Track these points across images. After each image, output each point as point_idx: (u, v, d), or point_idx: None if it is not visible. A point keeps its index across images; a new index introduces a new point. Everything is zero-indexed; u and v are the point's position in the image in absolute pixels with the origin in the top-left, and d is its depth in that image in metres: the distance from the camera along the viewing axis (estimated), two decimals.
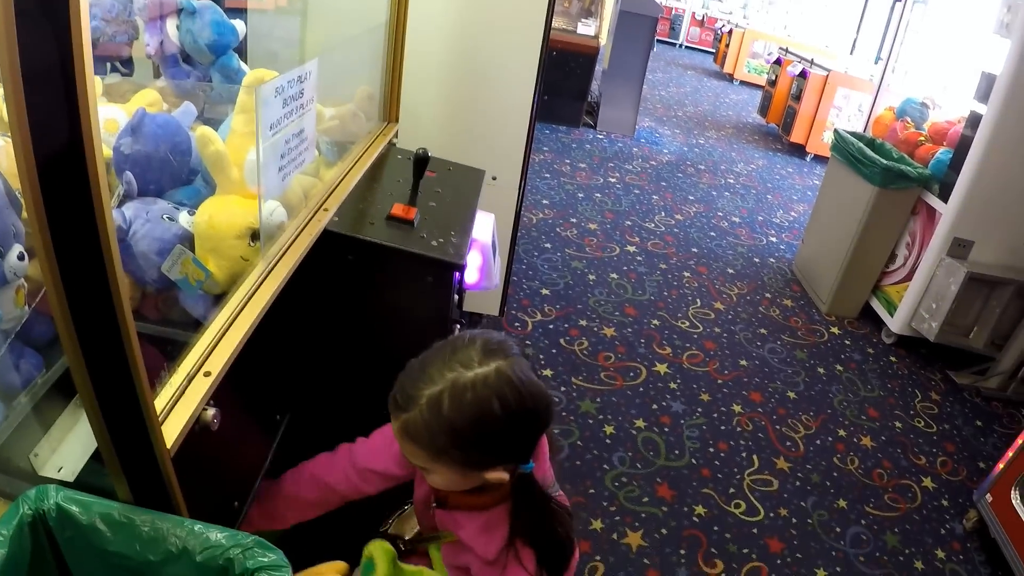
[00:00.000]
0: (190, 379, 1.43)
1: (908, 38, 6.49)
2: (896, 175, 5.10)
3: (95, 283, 1.06)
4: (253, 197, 1.80)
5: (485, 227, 2.76)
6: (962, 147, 4.86)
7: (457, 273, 2.30)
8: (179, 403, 1.38)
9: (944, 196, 4.93)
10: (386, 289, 2.30)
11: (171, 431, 1.32)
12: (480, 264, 2.72)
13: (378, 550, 1.82)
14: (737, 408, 4.28)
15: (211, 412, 1.45)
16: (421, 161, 2.47)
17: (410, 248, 2.22)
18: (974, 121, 4.77)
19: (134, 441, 1.23)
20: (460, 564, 1.73)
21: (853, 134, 5.82)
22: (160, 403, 1.32)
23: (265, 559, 1.28)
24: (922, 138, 5.67)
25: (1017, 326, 4.84)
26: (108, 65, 2.41)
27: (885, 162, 5.13)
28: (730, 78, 15.49)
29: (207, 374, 1.46)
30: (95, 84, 1.72)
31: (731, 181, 8.59)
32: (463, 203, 2.67)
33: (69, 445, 1.40)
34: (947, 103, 6.05)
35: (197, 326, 1.62)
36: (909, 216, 5.30)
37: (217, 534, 1.30)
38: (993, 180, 4.67)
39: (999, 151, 4.59)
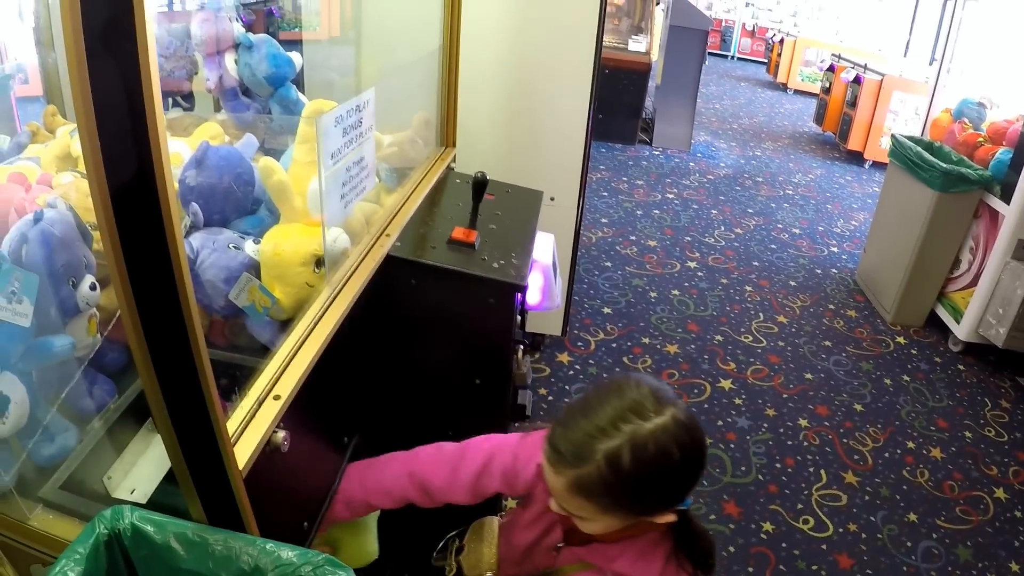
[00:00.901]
0: (260, 402, 1.47)
1: (962, 37, 6.40)
2: (956, 178, 5.03)
3: (168, 310, 1.09)
4: (316, 225, 1.83)
5: (545, 248, 2.77)
6: (1022, 146, 4.79)
7: (519, 294, 2.30)
8: (250, 426, 1.42)
9: (1006, 198, 4.84)
10: (449, 312, 2.31)
11: (243, 453, 1.36)
12: (542, 285, 2.73)
13: None
14: (803, 422, 4.24)
15: (281, 435, 1.48)
16: (480, 184, 2.49)
17: (472, 271, 2.23)
18: None
19: (207, 462, 1.26)
20: None
21: (911, 138, 5.75)
22: (232, 426, 1.36)
23: None
24: (981, 139, 5.57)
25: None
26: (170, 100, 2.47)
27: (944, 166, 5.06)
28: (784, 87, 15.39)
29: (277, 397, 1.50)
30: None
31: (789, 192, 8.53)
32: (523, 225, 2.68)
33: (141, 468, 1.45)
34: (1006, 102, 5.96)
35: (264, 352, 1.66)
36: (971, 220, 5.21)
37: (288, 552, 1.32)
38: None
39: None
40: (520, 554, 1.88)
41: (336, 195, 1.85)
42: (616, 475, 1.39)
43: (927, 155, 5.26)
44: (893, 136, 5.91)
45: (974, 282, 5.11)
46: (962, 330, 5.17)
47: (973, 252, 5.20)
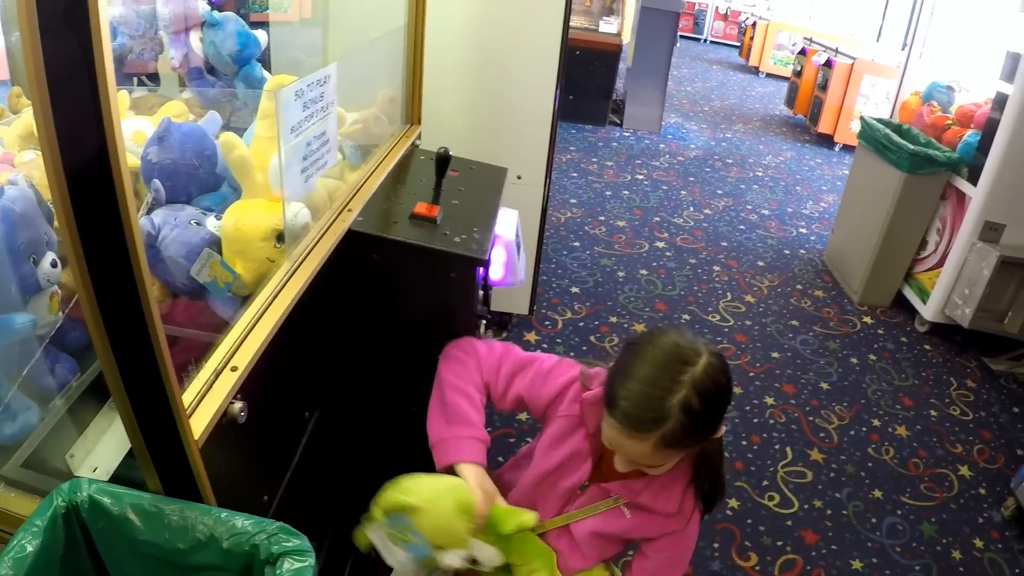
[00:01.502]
0: (217, 374, 1.49)
1: (933, 22, 6.44)
2: (924, 160, 5.07)
3: (124, 287, 1.11)
4: (278, 200, 1.84)
5: (509, 223, 2.77)
6: (989, 129, 4.81)
7: (480, 268, 2.33)
8: (207, 397, 1.44)
9: (973, 179, 4.89)
10: (411, 286, 2.34)
11: (199, 424, 1.38)
12: (505, 260, 2.73)
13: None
14: (770, 401, 4.27)
15: (238, 406, 1.51)
16: (443, 160, 2.51)
17: (433, 245, 2.25)
18: (1000, 102, 4.73)
19: (163, 433, 1.29)
20: (610, 531, 1.85)
21: (880, 120, 5.79)
22: (188, 397, 1.39)
23: (290, 544, 1.33)
24: (949, 121, 5.60)
25: None
26: (135, 80, 2.46)
27: (912, 147, 5.09)
28: (756, 71, 15.43)
29: (234, 369, 1.52)
30: (123, 97, 1.76)
31: (759, 174, 8.57)
32: (486, 201, 2.69)
33: (104, 446, 1.45)
34: (975, 85, 6.00)
35: (227, 328, 1.65)
36: (939, 201, 5.25)
37: (243, 521, 1.35)
38: (1022, 161, 4.63)
39: None
40: (535, 490, 1.93)
41: (296, 169, 1.86)
42: (693, 419, 1.53)
43: (895, 137, 5.30)
44: (862, 118, 5.96)
45: (941, 263, 5.15)
46: (928, 310, 5.22)
47: (940, 233, 5.24)
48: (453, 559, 1.75)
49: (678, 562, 1.88)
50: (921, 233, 5.39)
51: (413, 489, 1.73)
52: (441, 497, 1.72)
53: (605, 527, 1.84)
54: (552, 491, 1.90)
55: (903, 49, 10.73)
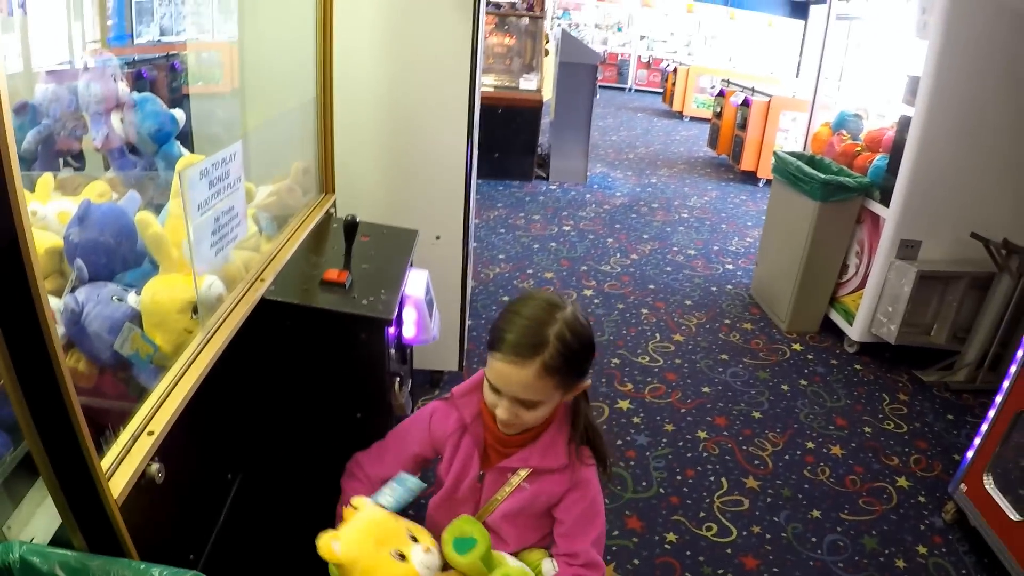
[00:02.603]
0: (135, 438, 1.57)
1: (843, 54, 6.61)
2: (836, 187, 5.19)
3: (41, 364, 1.19)
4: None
5: (418, 283, 2.82)
6: (896, 151, 4.95)
7: (389, 328, 2.37)
8: (125, 459, 1.52)
9: (885, 201, 5.01)
10: (324, 349, 2.40)
11: (118, 484, 1.45)
12: (416, 318, 2.78)
13: (475, 527, 1.90)
14: (702, 434, 4.29)
15: (155, 467, 1.57)
16: (351, 226, 2.59)
17: (341, 309, 2.33)
18: (904, 124, 4.86)
19: (84, 494, 1.36)
20: (517, 507, 2.02)
21: (792, 154, 5.92)
22: (107, 461, 1.46)
23: None
24: (859, 148, 5.74)
25: (976, 317, 4.90)
26: (61, 161, 2.49)
27: (824, 176, 5.21)
28: (679, 115, 15.74)
29: (150, 433, 1.59)
30: (48, 179, 1.81)
31: (685, 215, 8.70)
32: (395, 263, 2.76)
33: (39, 518, 1.49)
34: (885, 112, 6.15)
35: (144, 396, 1.71)
36: (855, 225, 5.37)
37: (159, 571, 1.39)
38: (929, 177, 4.76)
39: (930, 148, 4.69)
40: (448, 502, 2.09)
41: (206, 244, 1.92)
42: (567, 349, 1.79)
43: (807, 168, 5.43)
44: (775, 152, 6.09)
45: (863, 284, 5.26)
46: (855, 331, 5.31)
47: (859, 256, 5.35)
48: None
49: (590, 512, 2.03)
50: (841, 258, 5.50)
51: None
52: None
53: (510, 506, 2.01)
54: (458, 498, 2.07)
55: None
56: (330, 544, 1.71)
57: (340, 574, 1.73)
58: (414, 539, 1.82)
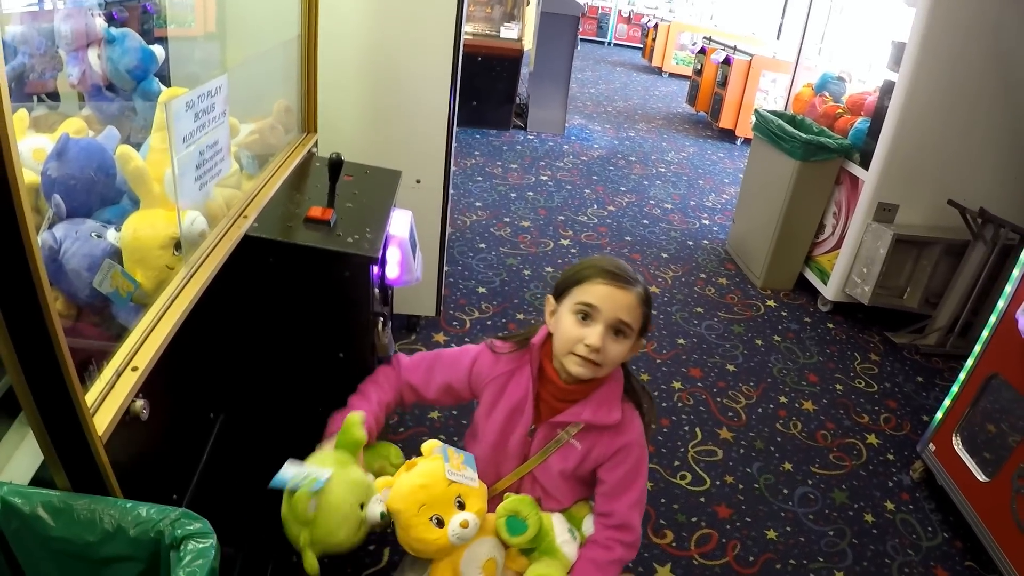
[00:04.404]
0: (119, 374, 1.52)
1: (826, 17, 6.60)
2: (816, 147, 5.21)
3: (26, 298, 1.16)
4: (175, 209, 1.85)
5: (402, 223, 2.79)
6: (878, 115, 4.98)
7: (374, 267, 2.35)
8: (109, 396, 1.47)
9: (865, 164, 5.04)
10: (307, 287, 2.36)
11: (102, 421, 1.40)
12: (400, 259, 2.75)
13: (532, 511, 1.94)
14: (677, 385, 4.32)
15: (140, 403, 1.54)
16: (335, 165, 2.53)
17: (326, 246, 2.29)
18: (888, 89, 4.89)
19: (68, 432, 1.32)
20: (569, 466, 2.03)
21: (774, 112, 5.94)
22: (91, 396, 1.41)
23: (192, 527, 1.36)
24: (840, 110, 5.77)
25: (949, 282, 4.94)
26: (35, 99, 2.44)
27: (805, 136, 5.23)
28: (659, 71, 15.69)
29: (135, 368, 1.55)
30: (23, 116, 1.78)
31: (662, 170, 8.70)
32: (379, 202, 2.73)
33: (18, 459, 1.47)
34: (867, 76, 6.16)
35: (127, 332, 1.69)
36: (833, 186, 5.40)
37: (147, 510, 1.37)
38: (910, 143, 4.78)
39: (913, 115, 4.70)
40: (492, 454, 2.10)
41: (190, 178, 1.88)
42: (646, 293, 1.91)
43: (789, 127, 5.45)
44: (756, 110, 6.11)
45: (839, 245, 5.29)
46: (829, 290, 5.36)
47: (836, 217, 5.37)
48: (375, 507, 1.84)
49: (633, 473, 2.03)
50: (818, 217, 5.53)
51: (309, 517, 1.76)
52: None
53: (563, 463, 2.02)
54: (506, 449, 2.07)
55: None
56: (382, 489, 1.79)
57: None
58: (461, 506, 1.82)
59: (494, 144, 8.85)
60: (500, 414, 2.05)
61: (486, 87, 9.11)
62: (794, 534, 3.37)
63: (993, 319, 3.33)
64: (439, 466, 1.84)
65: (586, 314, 1.86)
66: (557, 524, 2.00)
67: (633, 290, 1.86)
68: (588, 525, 2.07)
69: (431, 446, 1.90)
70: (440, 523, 1.78)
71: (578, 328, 1.87)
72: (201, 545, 1.32)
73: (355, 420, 1.91)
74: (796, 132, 5.33)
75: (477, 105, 9.02)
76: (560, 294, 1.94)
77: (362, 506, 1.81)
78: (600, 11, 19.18)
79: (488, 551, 1.89)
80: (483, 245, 5.86)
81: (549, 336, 2.01)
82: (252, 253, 2.23)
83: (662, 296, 5.44)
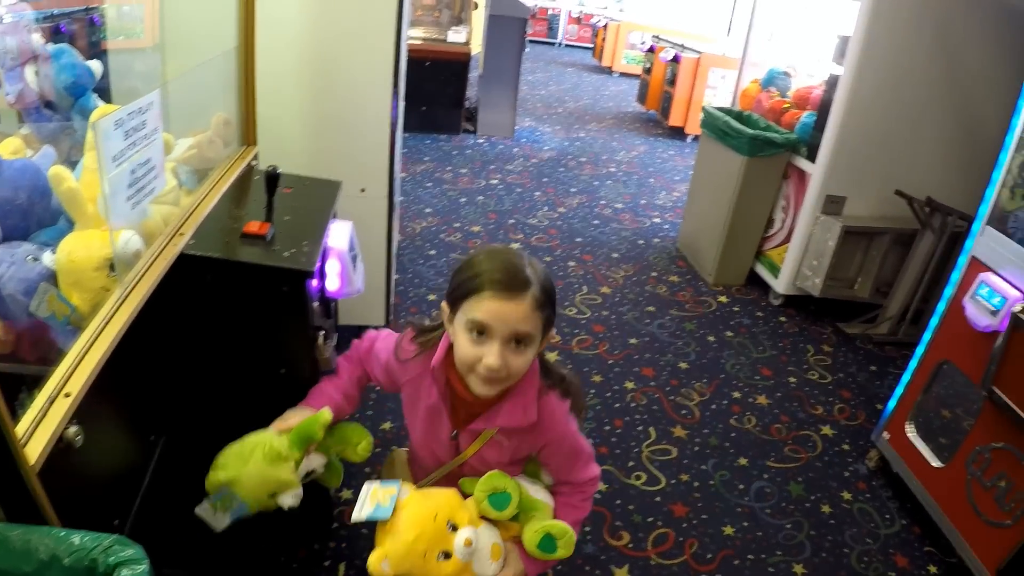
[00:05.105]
0: (51, 401, 1.51)
1: (770, 12, 6.63)
2: (763, 143, 5.24)
3: None
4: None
5: (342, 234, 2.76)
6: (824, 108, 5.01)
7: (311, 280, 2.32)
8: (41, 424, 1.46)
9: (812, 157, 5.06)
10: (245, 304, 2.34)
11: (34, 450, 1.40)
12: (339, 271, 2.72)
13: (505, 481, 1.93)
14: (630, 385, 4.32)
15: (73, 430, 1.53)
16: (272, 178, 2.53)
17: (262, 261, 2.27)
18: (833, 83, 4.93)
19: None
20: (499, 460, 1.99)
21: (720, 109, 5.97)
22: (23, 426, 1.42)
23: (125, 554, 1.34)
24: (787, 105, 5.80)
25: (899, 272, 5.00)
26: None
27: (751, 131, 5.26)
28: (609, 71, 15.76)
29: (67, 395, 1.54)
30: None
31: (613, 170, 8.73)
32: (317, 214, 2.71)
33: None
34: (813, 70, 6.19)
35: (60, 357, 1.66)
36: (781, 181, 5.43)
37: (80, 538, 1.35)
38: (855, 136, 4.82)
39: (858, 107, 4.74)
40: (427, 443, 2.07)
41: (122, 197, 1.85)
42: (545, 286, 1.77)
43: (735, 123, 5.47)
44: (704, 108, 6.14)
45: (788, 238, 5.32)
46: (780, 284, 5.39)
47: (785, 211, 5.40)
48: (287, 499, 1.93)
49: (572, 454, 2.04)
50: (767, 212, 5.56)
51: (224, 464, 1.89)
52: (250, 458, 1.88)
53: (498, 456, 1.99)
54: (437, 443, 2.03)
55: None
56: (380, 564, 1.76)
57: None
58: (453, 527, 1.82)
59: (444, 149, 8.83)
60: (422, 413, 2.01)
61: (434, 92, 9.10)
62: (751, 529, 3.37)
63: (941, 306, 3.35)
64: (414, 511, 1.83)
65: (480, 330, 1.75)
66: (523, 481, 2.01)
67: (526, 297, 1.73)
68: (546, 475, 2.10)
69: (404, 500, 1.88)
70: (447, 555, 1.79)
71: (473, 348, 1.76)
72: (135, 572, 1.31)
73: (321, 421, 1.97)
74: (743, 128, 5.35)
75: (426, 110, 9.02)
76: (453, 303, 1.81)
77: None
78: (550, 12, 19.22)
79: (488, 539, 1.89)
80: (433, 252, 5.82)
81: (451, 346, 1.89)
82: (189, 271, 2.21)
83: (613, 296, 5.44)
